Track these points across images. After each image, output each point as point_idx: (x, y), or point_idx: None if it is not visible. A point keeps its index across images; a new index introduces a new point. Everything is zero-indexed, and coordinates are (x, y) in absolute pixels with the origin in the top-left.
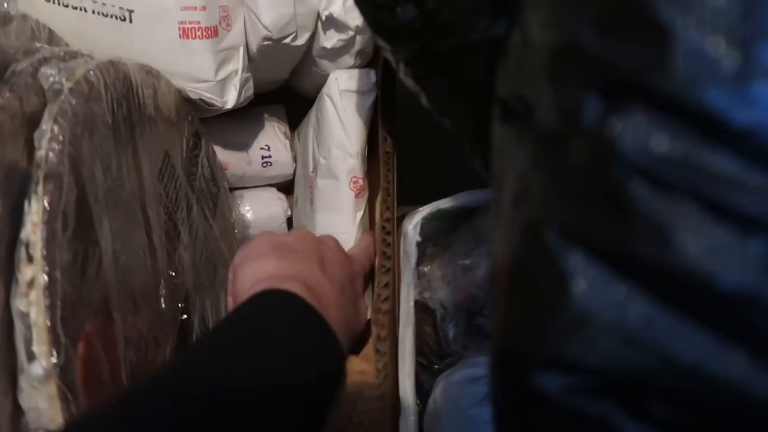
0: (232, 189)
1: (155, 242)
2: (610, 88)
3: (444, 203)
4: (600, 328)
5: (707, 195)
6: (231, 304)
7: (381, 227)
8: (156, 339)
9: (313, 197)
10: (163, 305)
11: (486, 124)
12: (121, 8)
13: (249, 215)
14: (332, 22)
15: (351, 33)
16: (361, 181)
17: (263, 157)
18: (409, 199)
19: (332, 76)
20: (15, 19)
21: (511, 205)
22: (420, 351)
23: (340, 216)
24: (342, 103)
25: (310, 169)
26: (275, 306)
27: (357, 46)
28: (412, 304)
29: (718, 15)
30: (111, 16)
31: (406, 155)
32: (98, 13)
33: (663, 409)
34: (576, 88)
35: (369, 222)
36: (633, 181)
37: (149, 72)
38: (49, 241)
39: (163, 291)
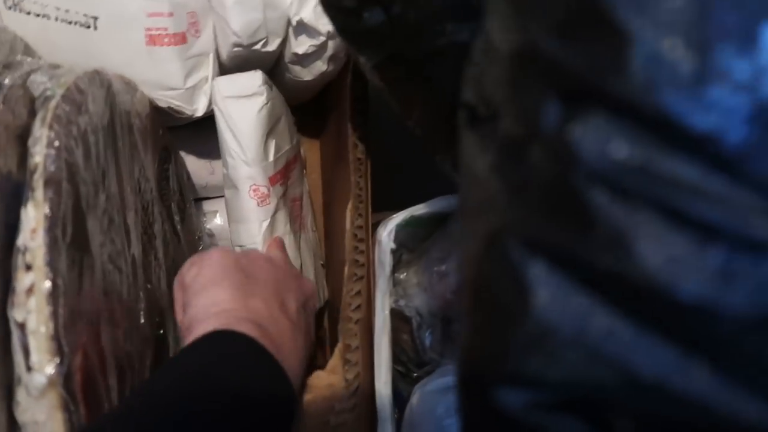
0: (195, 200)
1: (135, 255)
2: (569, 92)
3: (418, 209)
4: (562, 342)
5: (667, 203)
6: (184, 332)
7: (352, 235)
8: (139, 353)
9: (227, 208)
10: (143, 320)
11: (454, 130)
12: (85, 15)
13: (216, 223)
14: (303, 28)
15: (322, 38)
16: (263, 189)
17: None
18: (385, 206)
19: (213, 84)
20: None
21: (474, 213)
22: (398, 359)
23: (245, 226)
24: (227, 110)
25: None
26: (231, 354)
27: (329, 52)
28: (387, 312)
29: (675, 16)
30: (75, 23)
31: (380, 161)
32: (62, 21)
33: (627, 424)
34: (536, 94)
35: (328, 232)
36: (593, 188)
37: (127, 83)
38: (51, 247)
39: (143, 305)
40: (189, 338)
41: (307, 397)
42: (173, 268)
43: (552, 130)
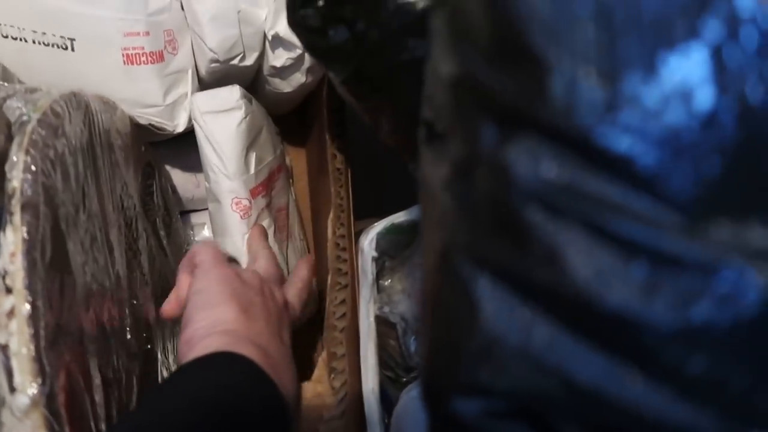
0: (182, 213)
1: (119, 271)
2: (502, 117)
3: (399, 217)
4: (508, 353)
5: (593, 220)
6: (183, 345)
7: (334, 244)
8: (126, 369)
9: (211, 221)
10: (129, 336)
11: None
12: (62, 37)
13: (204, 235)
14: (279, 41)
15: (299, 51)
16: (245, 202)
17: None
18: (368, 214)
19: (192, 100)
20: None
21: (430, 228)
22: (386, 364)
23: (230, 239)
24: (207, 125)
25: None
26: (232, 377)
27: (307, 63)
28: (372, 319)
29: (587, 46)
30: (52, 45)
31: (361, 170)
32: (39, 43)
33: (573, 431)
34: (474, 118)
35: (317, 240)
36: (528, 206)
37: (106, 102)
38: (30, 270)
39: (128, 320)
40: (189, 353)
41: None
42: (160, 282)
43: (490, 152)
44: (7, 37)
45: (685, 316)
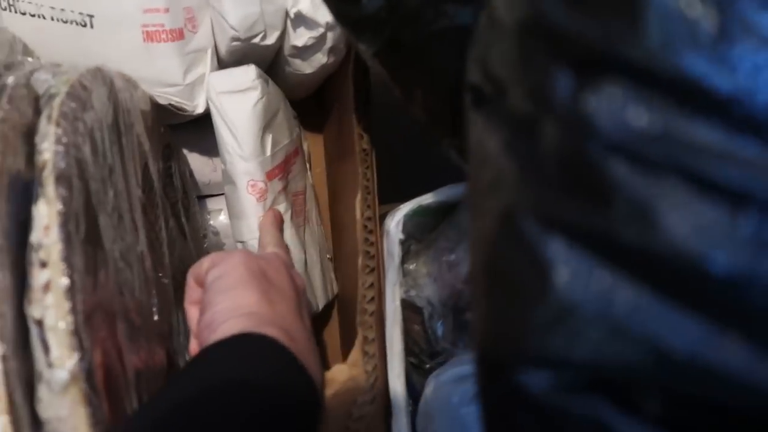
0: (198, 198)
1: (143, 252)
2: (581, 62)
3: (426, 199)
4: (585, 319)
5: (692, 170)
6: (203, 330)
7: (362, 226)
8: (153, 349)
9: (227, 204)
10: (156, 316)
11: (459, 114)
12: (81, 14)
13: (221, 221)
14: (301, 20)
15: (321, 30)
16: (261, 184)
17: None
18: (391, 197)
19: (208, 80)
20: None
21: (485, 193)
22: (410, 350)
23: (245, 222)
24: (222, 105)
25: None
26: (263, 355)
27: (329, 43)
28: (398, 303)
29: None
30: (71, 22)
31: (384, 153)
32: (57, 20)
33: (656, 404)
34: (545, 66)
35: (335, 225)
36: (611, 159)
37: (128, 80)
38: (66, 243)
39: (155, 301)
40: (211, 336)
41: (329, 391)
42: (180, 266)
43: (564, 103)
44: (25, 14)
45: None
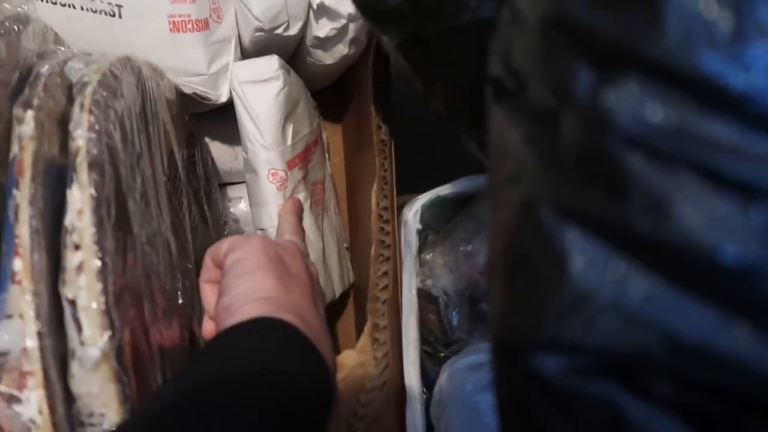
0: (219, 185)
1: (168, 237)
2: (601, 57)
3: (443, 190)
4: (600, 307)
5: (706, 164)
6: (221, 312)
7: (378, 216)
8: (177, 331)
9: (248, 192)
10: (181, 300)
11: (479, 108)
12: (110, 3)
13: (241, 208)
14: (324, 11)
15: (343, 21)
16: (281, 173)
17: None
18: (410, 187)
19: (231, 69)
20: (32, 21)
21: (504, 184)
22: (425, 339)
23: (266, 210)
24: (245, 95)
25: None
26: (280, 339)
27: (350, 35)
28: (414, 292)
29: None
30: (100, 12)
31: (404, 142)
32: (87, 9)
33: (667, 388)
34: (567, 61)
35: (353, 215)
36: (628, 153)
37: (155, 69)
38: (99, 226)
39: (180, 284)
40: (229, 319)
41: (338, 375)
42: (202, 252)
43: (585, 97)
44: (56, 3)
45: None
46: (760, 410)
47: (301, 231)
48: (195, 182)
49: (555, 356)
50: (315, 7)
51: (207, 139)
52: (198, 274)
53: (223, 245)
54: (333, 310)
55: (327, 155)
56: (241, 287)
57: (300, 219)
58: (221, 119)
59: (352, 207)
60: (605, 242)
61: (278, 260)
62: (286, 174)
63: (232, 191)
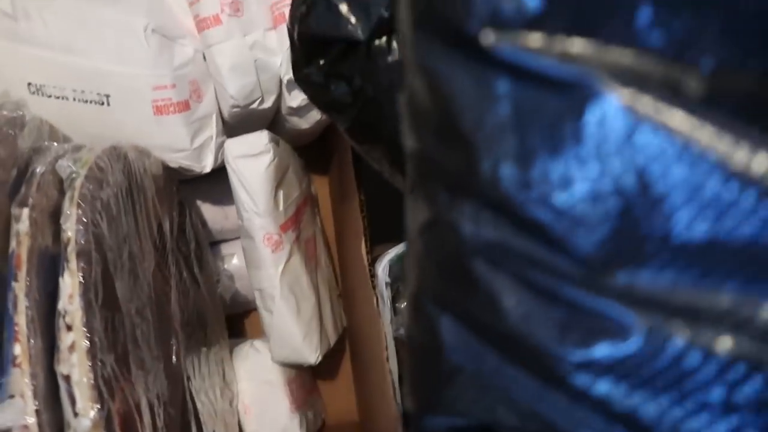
0: (212, 243)
1: (158, 305)
2: (450, 185)
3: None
4: (466, 379)
5: (521, 273)
6: None
7: (368, 270)
8: (170, 390)
9: (245, 256)
10: (175, 359)
11: None
12: (98, 94)
13: (234, 264)
14: (294, 85)
15: None
16: (275, 236)
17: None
18: (387, 237)
19: (225, 145)
20: (28, 123)
21: (410, 269)
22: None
23: (264, 272)
24: (239, 168)
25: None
26: None
27: None
28: (391, 339)
29: (503, 134)
30: (90, 102)
31: (380, 194)
32: (79, 101)
33: None
34: (431, 184)
35: (342, 262)
36: (474, 260)
37: (141, 151)
38: (87, 309)
39: (173, 348)
40: None
41: None
42: (194, 313)
43: (444, 214)
44: (50, 96)
45: (588, 352)
46: None
47: None
48: (185, 247)
49: (438, 418)
50: (285, 82)
51: (198, 202)
52: (189, 335)
53: None
54: (330, 354)
55: (316, 209)
56: None
57: None
58: (211, 183)
59: (341, 254)
60: (467, 328)
61: None
62: (281, 237)
63: (225, 248)
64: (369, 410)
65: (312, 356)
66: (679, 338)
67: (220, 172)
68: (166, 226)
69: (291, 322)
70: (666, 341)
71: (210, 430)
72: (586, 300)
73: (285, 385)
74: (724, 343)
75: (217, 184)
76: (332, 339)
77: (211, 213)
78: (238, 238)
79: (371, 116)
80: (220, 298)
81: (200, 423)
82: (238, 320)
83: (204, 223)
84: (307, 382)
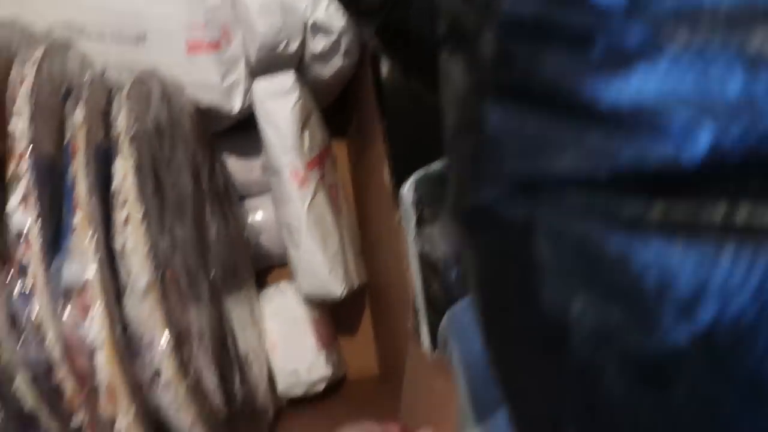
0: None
1: (198, 232)
2: None
3: (435, 165)
4: (508, 151)
5: None
6: None
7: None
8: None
9: (272, 195)
10: (210, 292)
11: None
12: (136, 33)
13: (259, 219)
14: (317, 28)
15: (336, 36)
16: (302, 172)
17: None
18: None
19: (253, 85)
20: (72, 46)
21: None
22: (432, 308)
23: (290, 206)
24: (266, 107)
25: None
26: None
27: (343, 48)
28: (416, 257)
29: None
30: (127, 41)
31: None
32: (116, 40)
33: None
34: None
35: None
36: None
37: (176, 86)
38: (140, 186)
39: (211, 275)
40: None
41: None
42: (225, 257)
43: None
44: (90, 35)
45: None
46: None
47: None
48: (216, 188)
49: (484, 190)
50: (309, 25)
51: (223, 155)
52: (221, 281)
53: None
54: (352, 299)
55: (336, 167)
56: None
57: None
58: (236, 138)
59: (360, 214)
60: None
61: None
62: (306, 174)
63: (250, 203)
64: (389, 359)
65: (338, 289)
66: None
67: (243, 127)
68: (204, 170)
69: (318, 254)
70: None
71: (243, 355)
72: None
73: (311, 323)
74: None
75: (243, 139)
76: (355, 282)
77: (237, 167)
78: (262, 192)
79: (400, 16)
80: (246, 247)
81: (236, 346)
82: (261, 276)
83: (231, 177)
84: (331, 329)
